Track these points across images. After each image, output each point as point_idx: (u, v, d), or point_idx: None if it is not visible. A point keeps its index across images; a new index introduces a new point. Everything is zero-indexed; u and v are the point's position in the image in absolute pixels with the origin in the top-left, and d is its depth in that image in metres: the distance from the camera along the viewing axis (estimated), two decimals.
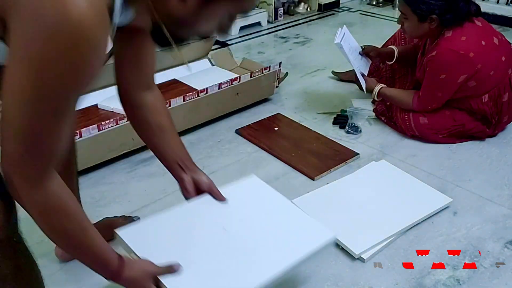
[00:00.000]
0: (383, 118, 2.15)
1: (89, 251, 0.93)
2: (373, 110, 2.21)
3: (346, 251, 1.41)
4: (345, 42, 2.04)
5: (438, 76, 1.84)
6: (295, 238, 1.17)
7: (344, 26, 2.13)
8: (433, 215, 1.57)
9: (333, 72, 2.63)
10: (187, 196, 1.23)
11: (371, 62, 2.18)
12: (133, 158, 1.84)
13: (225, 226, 1.17)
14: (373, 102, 2.23)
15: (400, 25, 1.95)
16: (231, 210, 1.22)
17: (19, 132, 0.75)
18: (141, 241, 1.10)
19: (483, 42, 1.82)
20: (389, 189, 1.67)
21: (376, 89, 2.05)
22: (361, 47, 2.16)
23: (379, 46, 2.29)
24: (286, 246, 1.14)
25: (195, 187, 1.22)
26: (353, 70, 2.10)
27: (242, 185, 1.32)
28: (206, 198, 1.23)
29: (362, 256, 1.39)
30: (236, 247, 1.12)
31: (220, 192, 1.25)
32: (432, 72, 1.85)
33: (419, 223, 1.53)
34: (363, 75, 2.09)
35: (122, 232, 1.11)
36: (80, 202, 1.25)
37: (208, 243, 1.12)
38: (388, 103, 2.11)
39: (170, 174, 1.23)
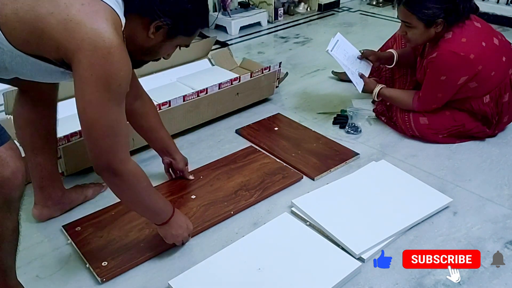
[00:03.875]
0: (383, 118, 2.15)
1: (153, 205, 1.29)
2: (373, 110, 2.21)
3: (346, 251, 1.42)
4: (339, 49, 2.06)
5: (439, 78, 1.84)
6: (327, 268, 1.33)
7: (338, 33, 2.13)
8: (433, 215, 1.57)
9: (333, 72, 2.63)
10: (166, 174, 1.74)
11: (372, 64, 2.17)
12: (133, 158, 1.83)
13: (260, 266, 1.33)
14: (373, 102, 2.23)
15: (402, 35, 1.92)
16: (264, 250, 1.39)
17: (104, 128, 1.06)
18: None
19: (483, 43, 1.82)
20: (389, 189, 1.67)
21: (376, 90, 2.05)
22: (360, 51, 2.16)
23: (380, 46, 2.29)
24: (318, 277, 1.30)
25: (169, 167, 1.71)
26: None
27: (274, 223, 1.51)
28: (238, 243, 1.42)
29: (362, 256, 1.39)
30: (270, 285, 1.28)
31: (187, 173, 1.72)
32: (433, 74, 1.85)
33: (419, 223, 1.53)
34: (362, 76, 2.08)
35: (175, 283, 1.30)
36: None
37: (244, 285, 1.28)
38: (388, 103, 2.12)
39: None
